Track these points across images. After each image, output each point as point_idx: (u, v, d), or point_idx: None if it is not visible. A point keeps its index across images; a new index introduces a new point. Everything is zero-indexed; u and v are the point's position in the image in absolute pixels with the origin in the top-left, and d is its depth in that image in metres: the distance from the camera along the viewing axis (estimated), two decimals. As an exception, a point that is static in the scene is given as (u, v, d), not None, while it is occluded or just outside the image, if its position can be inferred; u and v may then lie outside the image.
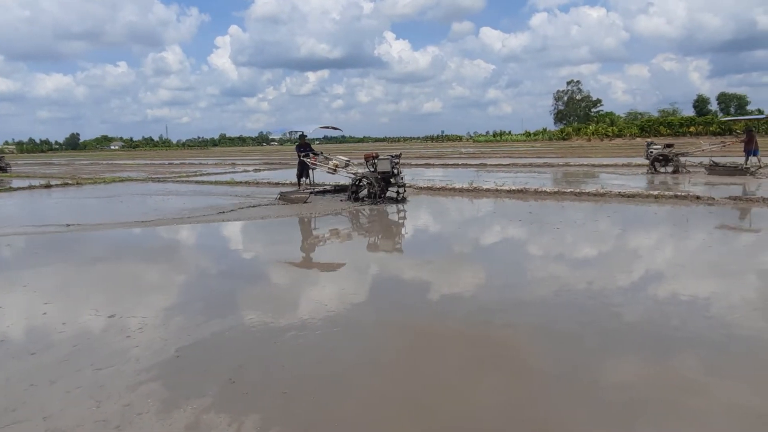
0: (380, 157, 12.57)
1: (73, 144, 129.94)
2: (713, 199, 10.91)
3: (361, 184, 12.73)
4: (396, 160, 12.41)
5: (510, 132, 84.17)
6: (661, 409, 3.10)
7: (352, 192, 12.78)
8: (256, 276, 6.62)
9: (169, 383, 3.56)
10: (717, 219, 9.23)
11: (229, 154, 57.56)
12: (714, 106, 78.51)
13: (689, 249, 7.40)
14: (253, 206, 12.33)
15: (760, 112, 53.55)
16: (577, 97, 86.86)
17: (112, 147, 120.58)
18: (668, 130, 60.07)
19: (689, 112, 75.28)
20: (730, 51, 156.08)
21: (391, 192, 12.67)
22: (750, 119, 17.93)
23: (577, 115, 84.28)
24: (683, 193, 11.59)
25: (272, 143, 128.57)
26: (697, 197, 11.11)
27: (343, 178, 14.01)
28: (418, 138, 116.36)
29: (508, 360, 3.92)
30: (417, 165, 27.71)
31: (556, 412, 3.13)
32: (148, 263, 7.38)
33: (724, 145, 20.24)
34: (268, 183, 17.92)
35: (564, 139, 66.21)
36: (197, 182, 19.66)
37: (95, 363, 3.86)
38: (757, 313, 4.61)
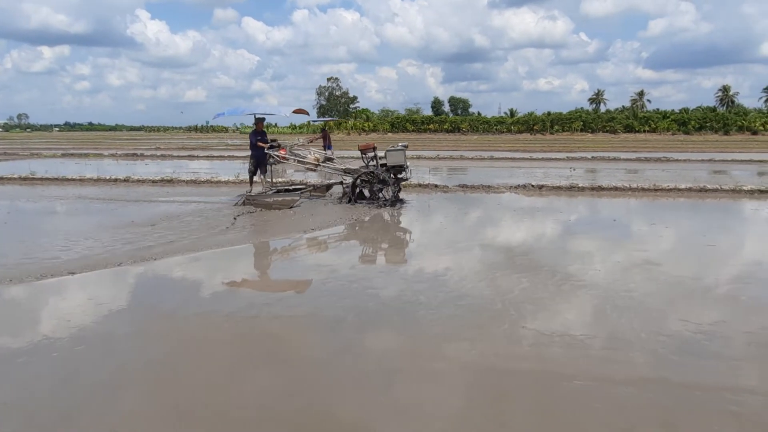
0: (392, 148, 10.61)
1: None
2: (447, 187, 13.11)
3: (367, 180, 10.64)
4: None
5: (276, 125, 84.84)
6: (413, 374, 3.68)
7: (352, 192, 10.74)
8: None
9: None
10: (453, 204, 11.09)
11: None
12: (447, 107, 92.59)
13: (431, 230, 8.77)
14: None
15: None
16: (336, 93, 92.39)
17: None
18: (413, 127, 68.55)
19: (429, 111, 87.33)
20: (456, 62, 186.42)
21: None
22: (326, 120, 23.34)
23: (338, 110, 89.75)
24: (425, 182, 13.61)
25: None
26: (435, 185, 13.23)
27: (307, 175, 11.78)
28: (181, 128, 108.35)
29: (277, 351, 4.13)
30: (180, 157, 26.01)
31: (327, 393, 3.44)
32: None
33: (311, 142, 24.14)
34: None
35: (328, 131, 69.84)
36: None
37: None
38: (482, 283, 5.76)
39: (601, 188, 13.03)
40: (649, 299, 5.13)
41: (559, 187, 13.18)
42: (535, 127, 65.55)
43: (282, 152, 11.11)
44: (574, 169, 18.86)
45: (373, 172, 10.58)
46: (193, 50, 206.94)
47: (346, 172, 11.14)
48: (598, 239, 8.10)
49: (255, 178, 11.72)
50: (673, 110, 69.26)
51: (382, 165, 10.60)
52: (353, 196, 10.71)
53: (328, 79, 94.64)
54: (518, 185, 13.39)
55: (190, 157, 25.89)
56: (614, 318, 4.63)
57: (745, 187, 12.67)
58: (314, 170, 11.48)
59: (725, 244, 7.86)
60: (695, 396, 3.38)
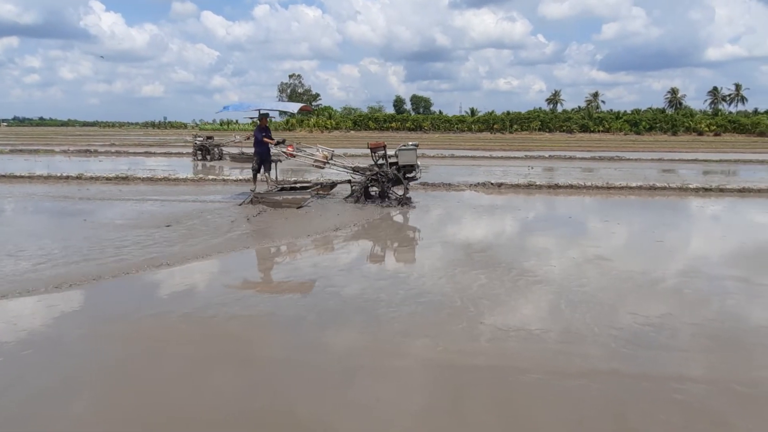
0: (403, 147, 10.44)
1: None
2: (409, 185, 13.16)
3: (377, 179, 10.41)
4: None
5: (237, 121, 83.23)
6: (373, 371, 3.69)
7: (362, 191, 10.50)
8: None
9: None
10: (414, 201, 11.15)
11: None
12: (408, 105, 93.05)
13: (392, 228, 8.81)
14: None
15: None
16: (299, 90, 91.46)
17: None
18: (375, 125, 68.63)
19: (391, 110, 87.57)
20: (418, 61, 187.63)
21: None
22: (263, 117, 23.23)
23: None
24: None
25: None
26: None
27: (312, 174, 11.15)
28: (137, 124, 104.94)
29: (236, 352, 4.06)
30: (136, 153, 25.20)
31: (286, 392, 3.41)
32: None
33: (247, 138, 24.21)
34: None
35: (289, 129, 69.04)
36: None
37: None
38: (442, 280, 5.83)
39: (557, 186, 13.39)
40: (601, 294, 5.32)
41: (517, 185, 13.48)
42: (495, 126, 66.73)
43: (290, 149, 10.75)
44: (532, 168, 19.32)
45: (384, 172, 10.40)
46: (150, 44, 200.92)
47: (355, 170, 10.91)
48: (554, 236, 8.32)
49: (258, 176, 11.23)
50: (625, 111, 71.86)
51: (392, 164, 10.47)
52: (362, 195, 10.51)
53: (290, 76, 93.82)
54: (478, 183, 13.61)
55: (147, 154, 25.12)
56: (568, 312, 4.77)
57: (691, 186, 13.29)
58: (322, 168, 11.02)
59: (672, 239, 8.22)
60: (643, 386, 3.51)
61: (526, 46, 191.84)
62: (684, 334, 4.37)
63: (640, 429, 3.05)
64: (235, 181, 14.07)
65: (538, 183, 13.61)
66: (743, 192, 12.92)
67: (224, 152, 21.69)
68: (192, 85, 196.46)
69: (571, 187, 13.29)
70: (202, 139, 22.03)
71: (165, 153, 25.30)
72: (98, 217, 8.98)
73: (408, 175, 10.49)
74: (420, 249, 7.31)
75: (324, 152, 10.74)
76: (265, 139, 10.83)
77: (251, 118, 23.76)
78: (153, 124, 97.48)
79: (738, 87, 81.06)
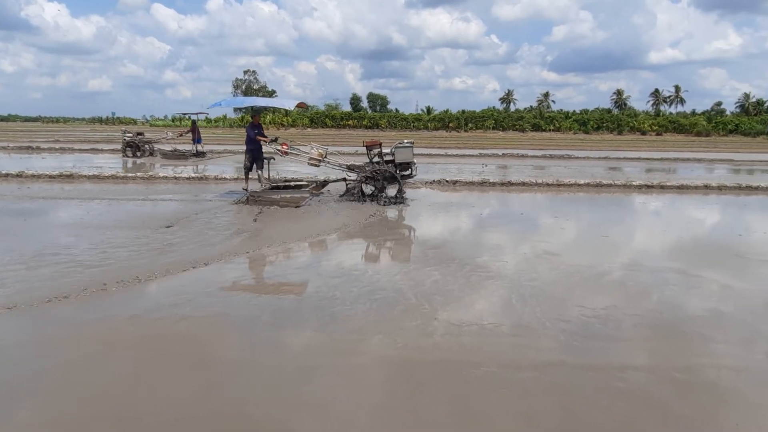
0: (400, 145, 10.39)
1: None
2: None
3: (373, 177, 10.39)
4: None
5: (189, 117, 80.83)
6: (330, 370, 3.67)
7: (357, 189, 10.42)
8: None
9: None
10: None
11: None
12: (365, 103, 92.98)
13: (348, 225, 8.78)
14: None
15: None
16: (254, 87, 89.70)
17: None
18: (332, 122, 68.29)
19: (348, 107, 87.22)
20: (375, 59, 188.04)
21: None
22: (196, 114, 23.39)
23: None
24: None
25: None
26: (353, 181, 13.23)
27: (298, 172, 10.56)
28: (84, 119, 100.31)
29: (187, 353, 3.95)
30: (82, 150, 24.09)
31: (241, 393, 3.36)
32: None
33: (181, 135, 24.12)
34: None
35: (244, 126, 67.73)
36: None
37: None
38: (397, 277, 5.83)
39: (510, 183, 13.72)
40: (551, 288, 5.49)
41: (472, 183, 13.73)
42: (450, 125, 67.70)
43: (284, 147, 10.58)
44: (486, 166, 19.73)
45: (380, 170, 10.39)
46: (97, 36, 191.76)
47: (351, 168, 10.81)
48: (507, 232, 8.54)
49: (250, 174, 10.98)
50: (574, 111, 74.54)
51: (389, 162, 10.48)
52: (358, 193, 10.49)
53: (245, 72, 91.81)
54: (434, 181, 13.78)
55: (94, 151, 24.06)
56: (519, 306, 4.91)
57: (634, 183, 13.91)
58: (318, 166, 10.88)
59: (617, 234, 8.59)
60: (588, 376, 3.66)
61: (481, 46, 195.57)
62: (627, 324, 4.58)
63: (585, 417, 3.18)
64: (187, 179, 13.69)
65: (491, 180, 13.90)
66: (682, 189, 13.65)
67: (155, 149, 21.16)
68: (142, 80, 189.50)
69: (523, 184, 13.65)
70: (131, 135, 21.29)
71: (113, 150, 24.29)
72: (39, 218, 8.55)
73: (404, 173, 10.53)
74: (375, 246, 7.34)
75: (319, 150, 10.65)
76: (259, 137, 10.63)
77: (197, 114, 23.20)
78: (101, 120, 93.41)
79: (677, 89, 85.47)
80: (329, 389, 3.45)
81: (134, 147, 20.59)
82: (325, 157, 10.66)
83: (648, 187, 13.57)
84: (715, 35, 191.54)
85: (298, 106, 11.74)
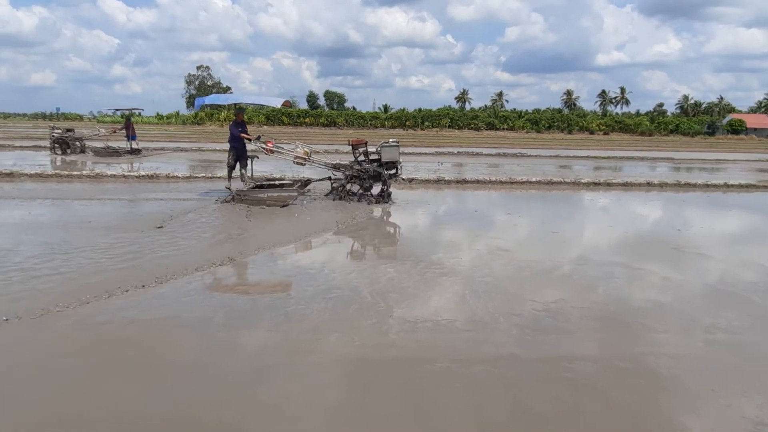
0: (386, 144, 10.36)
1: None
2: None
3: (359, 176, 10.35)
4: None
5: (140, 114, 78.01)
6: (284, 369, 3.64)
7: (342, 187, 10.43)
8: None
9: None
10: (325, 197, 11.12)
11: None
12: (322, 101, 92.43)
13: (300, 224, 8.71)
14: None
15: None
16: (208, 83, 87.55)
17: None
18: (289, 120, 67.43)
19: (305, 105, 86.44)
20: (331, 56, 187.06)
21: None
22: (130, 110, 21.86)
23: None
24: (301, 176, 13.46)
25: None
26: (309, 179, 13.14)
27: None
28: (26, 115, 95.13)
29: (135, 357, 3.82)
30: (24, 147, 22.81)
31: (192, 396, 3.29)
32: None
33: (114, 132, 23.49)
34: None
35: (198, 123, 65.94)
36: None
37: None
38: (351, 275, 5.84)
39: (465, 181, 13.96)
40: (503, 283, 5.63)
41: (427, 181, 13.87)
42: (407, 123, 68.20)
43: (269, 145, 10.35)
44: (442, 164, 20.00)
45: (365, 169, 10.36)
46: (40, 28, 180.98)
47: (336, 167, 10.70)
48: (461, 229, 8.68)
49: (234, 173, 10.81)
50: (527, 110, 76.61)
51: (374, 161, 10.46)
52: (343, 191, 10.46)
53: (198, 68, 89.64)
54: (390, 179, 13.82)
55: (36, 148, 22.81)
56: (473, 302, 5.00)
57: (583, 180, 14.43)
58: (303, 164, 10.71)
59: (566, 230, 8.89)
60: (538, 368, 3.78)
61: (436, 45, 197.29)
62: (575, 317, 4.75)
63: (534, 407, 3.28)
64: (137, 177, 13.22)
65: (447, 178, 14.09)
66: (626, 186, 14.26)
67: (87, 146, 20.20)
68: (89, 75, 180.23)
69: (478, 182, 13.91)
70: (60, 131, 20.20)
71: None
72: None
73: (389, 172, 10.56)
74: (329, 244, 7.31)
75: (304, 149, 10.55)
76: (242, 135, 10.51)
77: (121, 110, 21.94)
78: (44, 116, 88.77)
79: (623, 90, 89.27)
80: (283, 389, 3.42)
81: (63, 144, 19.57)
82: (310, 155, 10.61)
83: (595, 185, 14.10)
84: (657, 39, 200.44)
85: (283, 104, 11.67)
